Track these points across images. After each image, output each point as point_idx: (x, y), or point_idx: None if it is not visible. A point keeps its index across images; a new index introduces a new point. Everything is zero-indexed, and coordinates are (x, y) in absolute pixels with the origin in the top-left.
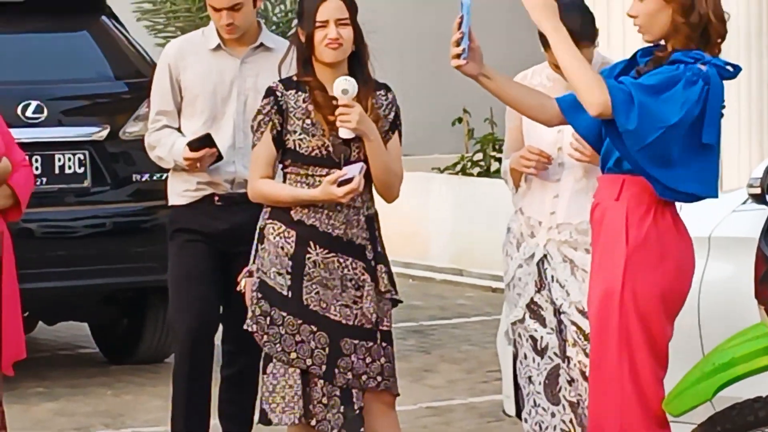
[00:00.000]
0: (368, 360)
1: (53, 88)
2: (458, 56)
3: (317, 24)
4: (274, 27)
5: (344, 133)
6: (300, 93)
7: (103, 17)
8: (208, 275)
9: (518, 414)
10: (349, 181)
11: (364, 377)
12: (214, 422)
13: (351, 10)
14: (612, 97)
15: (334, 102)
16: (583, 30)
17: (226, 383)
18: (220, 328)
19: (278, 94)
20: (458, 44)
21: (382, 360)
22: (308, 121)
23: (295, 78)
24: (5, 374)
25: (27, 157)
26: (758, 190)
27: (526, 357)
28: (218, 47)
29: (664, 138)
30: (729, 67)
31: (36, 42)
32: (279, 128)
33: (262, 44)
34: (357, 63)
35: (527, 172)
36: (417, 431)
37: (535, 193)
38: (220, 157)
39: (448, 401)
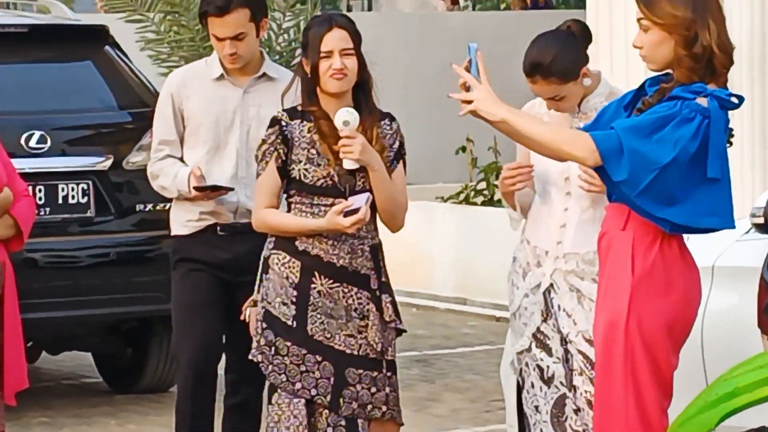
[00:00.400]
0: (373, 390)
1: (56, 118)
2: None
3: (322, 54)
4: (277, 57)
5: (348, 164)
6: (305, 123)
7: (107, 47)
8: (211, 305)
9: None
10: (355, 211)
11: (369, 407)
12: None
13: (355, 40)
14: (600, 149)
15: (339, 132)
16: (551, 66)
17: (230, 413)
18: (223, 357)
19: (283, 123)
20: (467, 89)
21: (387, 389)
22: (313, 151)
23: (299, 108)
24: (8, 404)
25: (29, 188)
26: (761, 220)
27: (533, 386)
28: (221, 77)
29: (662, 178)
30: (733, 98)
31: (39, 72)
32: (284, 158)
33: (264, 74)
34: (361, 93)
35: (513, 189)
36: None
37: (541, 222)
38: (230, 190)
39: (452, 431)
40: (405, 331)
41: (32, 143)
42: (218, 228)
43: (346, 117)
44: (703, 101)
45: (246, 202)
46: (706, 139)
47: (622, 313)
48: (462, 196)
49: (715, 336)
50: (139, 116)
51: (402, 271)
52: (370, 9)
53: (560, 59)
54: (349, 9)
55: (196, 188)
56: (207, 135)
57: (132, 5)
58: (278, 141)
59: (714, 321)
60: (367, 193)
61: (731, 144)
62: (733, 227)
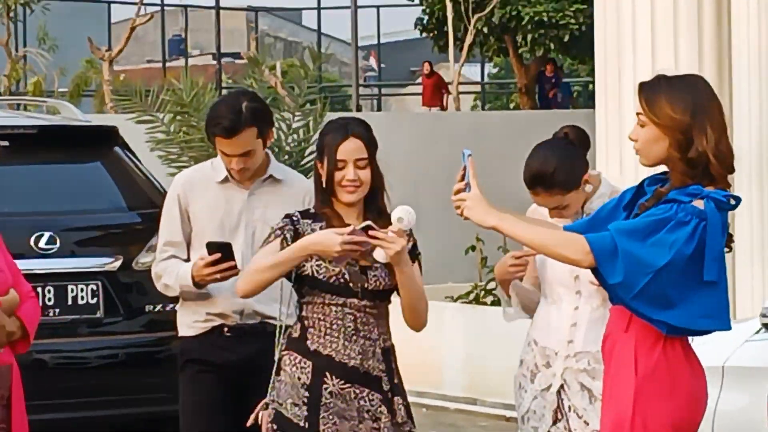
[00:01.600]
0: None
1: (66, 219)
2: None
3: (337, 164)
4: (286, 156)
5: (380, 256)
6: (317, 222)
7: (117, 148)
8: (219, 406)
9: None
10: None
11: None
12: None
13: (370, 149)
14: (594, 252)
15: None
16: (554, 178)
17: None
18: None
19: (295, 219)
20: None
21: None
22: None
23: (312, 210)
24: None
25: (35, 288)
26: None
27: None
28: (226, 179)
29: (657, 281)
30: (731, 200)
31: (49, 173)
32: (289, 243)
33: (271, 176)
34: (372, 197)
35: (516, 277)
36: None
37: (551, 322)
38: (236, 272)
39: None
40: None
41: (41, 244)
42: (225, 329)
43: (402, 214)
44: (699, 203)
45: (252, 304)
46: (702, 242)
47: (627, 414)
48: (472, 296)
49: None
50: (148, 217)
51: (412, 370)
52: (379, 109)
53: (562, 170)
54: (358, 109)
55: (208, 245)
56: (212, 237)
57: (142, 106)
58: (288, 229)
59: (725, 421)
60: (368, 221)
61: (731, 249)
62: (729, 329)
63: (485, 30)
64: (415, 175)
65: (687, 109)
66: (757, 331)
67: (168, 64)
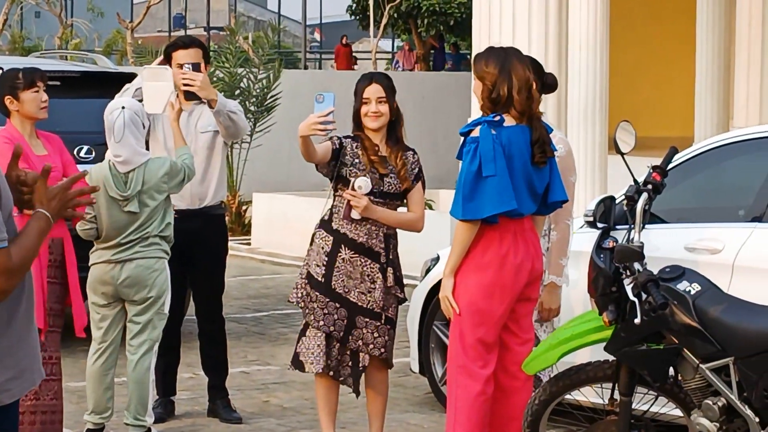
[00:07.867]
0: (375, 334)
1: (99, 136)
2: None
3: (363, 101)
4: (253, 99)
5: (354, 215)
6: (355, 141)
7: None
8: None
9: (420, 371)
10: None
11: (370, 345)
12: (200, 373)
13: (387, 92)
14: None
15: (376, 148)
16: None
17: (203, 341)
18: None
19: (343, 137)
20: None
21: (385, 337)
22: (357, 160)
23: (352, 134)
24: (80, 336)
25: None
26: (591, 219)
27: None
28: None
29: (469, 193)
30: (496, 118)
31: (88, 104)
32: (337, 146)
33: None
34: (392, 127)
35: None
36: None
37: None
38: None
39: None
40: (405, 299)
41: (82, 154)
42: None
43: (361, 183)
44: (476, 131)
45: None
46: (479, 155)
47: (454, 281)
48: None
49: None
50: None
51: None
52: (320, 68)
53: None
54: (305, 68)
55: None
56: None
57: (152, 61)
58: (336, 139)
59: None
60: (332, 93)
61: (544, 161)
62: (514, 207)
63: (395, 15)
64: (346, 113)
65: (496, 67)
66: (582, 226)
67: (172, 34)
